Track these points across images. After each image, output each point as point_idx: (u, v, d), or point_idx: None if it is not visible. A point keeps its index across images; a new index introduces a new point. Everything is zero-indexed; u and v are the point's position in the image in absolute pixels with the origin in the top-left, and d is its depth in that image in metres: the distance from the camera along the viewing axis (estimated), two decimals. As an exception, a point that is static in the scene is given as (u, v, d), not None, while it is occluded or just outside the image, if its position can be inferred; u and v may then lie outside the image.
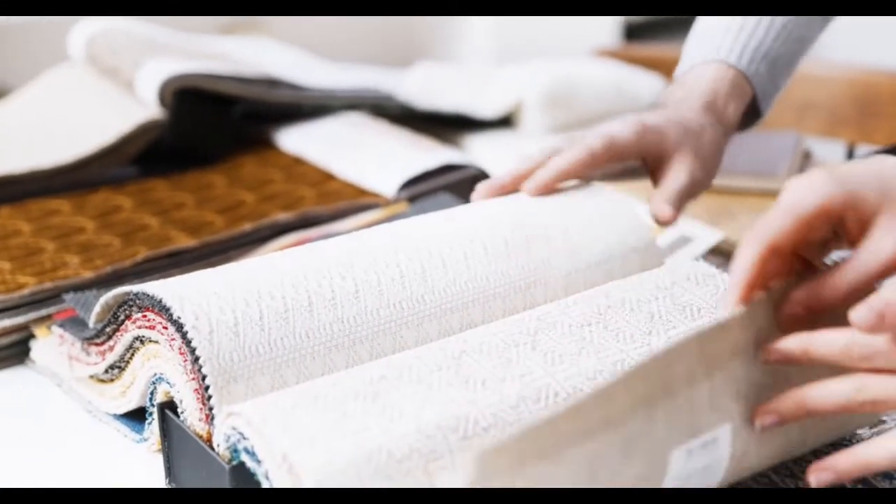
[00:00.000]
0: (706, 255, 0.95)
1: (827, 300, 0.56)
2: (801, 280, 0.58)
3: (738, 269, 0.58)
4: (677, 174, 0.79)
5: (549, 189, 0.77)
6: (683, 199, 0.79)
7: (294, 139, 1.10)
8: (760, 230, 0.58)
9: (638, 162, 0.81)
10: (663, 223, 0.78)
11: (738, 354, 0.56)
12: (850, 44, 1.89)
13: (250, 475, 0.57)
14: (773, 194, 1.05)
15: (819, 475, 0.56)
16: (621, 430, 0.51)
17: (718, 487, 0.59)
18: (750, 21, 0.86)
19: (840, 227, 0.58)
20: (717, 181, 1.05)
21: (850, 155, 1.39)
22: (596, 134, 0.77)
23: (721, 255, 0.96)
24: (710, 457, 0.55)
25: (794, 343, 0.56)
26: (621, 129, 0.78)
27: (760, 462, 0.60)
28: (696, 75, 0.85)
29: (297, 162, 1.06)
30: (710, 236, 0.96)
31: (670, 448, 0.53)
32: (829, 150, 1.34)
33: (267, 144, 1.12)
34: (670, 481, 0.54)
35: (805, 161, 1.14)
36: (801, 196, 0.57)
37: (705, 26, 0.88)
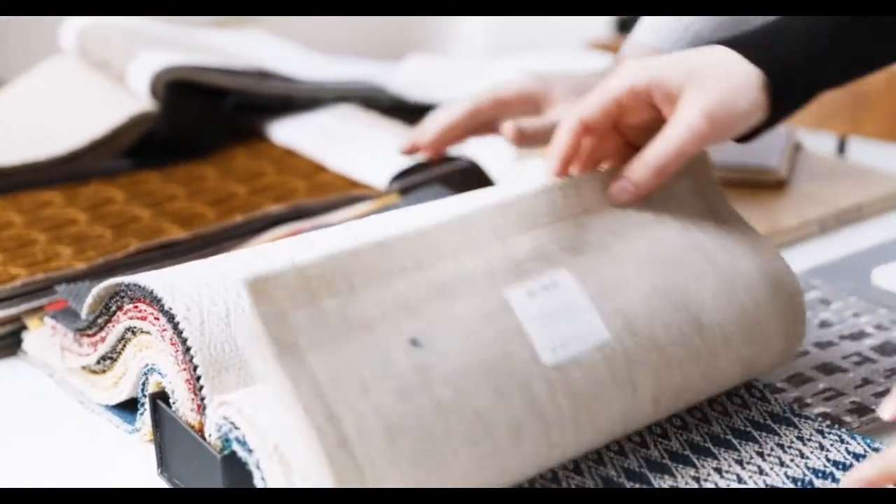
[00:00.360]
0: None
1: (650, 171, 0.64)
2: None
3: (555, 145, 0.66)
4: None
5: (439, 140, 0.80)
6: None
7: (286, 131, 1.10)
8: (574, 111, 0.65)
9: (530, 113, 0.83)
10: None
11: (565, 218, 0.64)
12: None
13: (241, 465, 0.57)
14: (766, 186, 1.06)
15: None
16: (431, 272, 0.58)
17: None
18: (698, 18, 0.86)
19: (657, 109, 0.65)
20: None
21: (842, 148, 1.39)
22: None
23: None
24: (560, 298, 0.60)
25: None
26: (510, 80, 0.80)
27: (664, 358, 0.62)
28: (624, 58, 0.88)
29: (289, 154, 1.06)
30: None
31: (498, 289, 0.58)
32: (820, 143, 1.34)
33: (259, 137, 1.12)
34: (529, 320, 0.58)
35: (796, 153, 1.14)
36: (610, 80, 0.65)
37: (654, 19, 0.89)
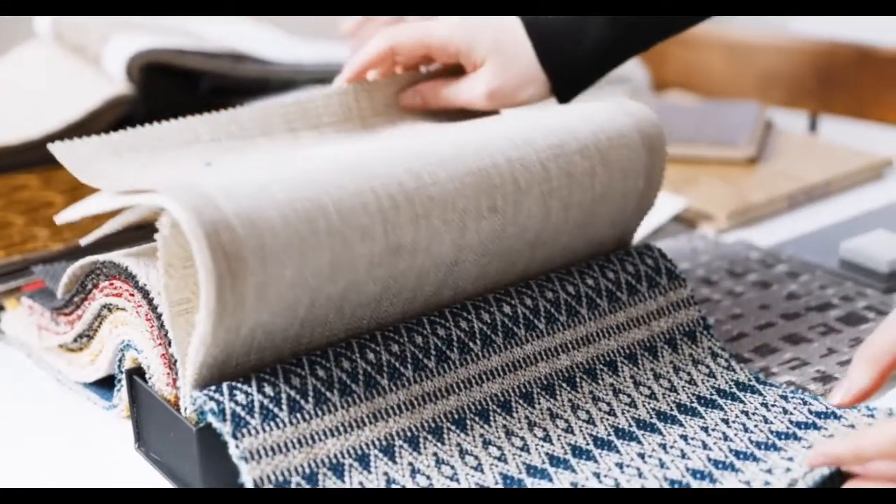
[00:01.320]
0: (670, 222, 0.97)
1: (438, 98, 0.78)
2: (427, 80, 0.79)
3: (358, 56, 0.78)
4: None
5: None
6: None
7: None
8: (388, 34, 0.77)
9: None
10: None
11: (354, 119, 0.76)
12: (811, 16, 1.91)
13: (217, 436, 0.58)
14: (735, 163, 1.07)
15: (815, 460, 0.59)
16: (226, 144, 0.70)
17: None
18: None
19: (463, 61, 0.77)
20: (680, 150, 1.07)
21: (813, 126, 1.41)
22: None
23: (684, 222, 0.98)
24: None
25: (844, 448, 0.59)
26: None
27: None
28: None
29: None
30: (673, 204, 0.98)
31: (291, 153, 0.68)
32: (791, 121, 1.36)
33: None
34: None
35: (768, 131, 1.16)
36: (434, 27, 0.77)
37: None
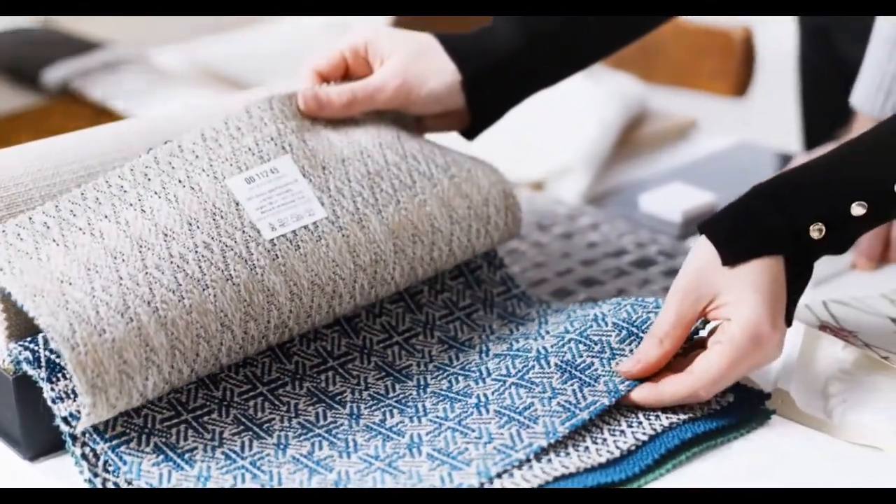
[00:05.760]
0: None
1: (341, 98, 0.76)
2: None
3: (302, 75, 0.78)
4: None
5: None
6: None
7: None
8: (308, 62, 0.78)
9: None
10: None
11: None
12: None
13: (33, 384, 0.62)
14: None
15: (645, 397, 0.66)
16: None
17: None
18: None
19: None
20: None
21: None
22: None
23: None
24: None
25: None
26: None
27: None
28: None
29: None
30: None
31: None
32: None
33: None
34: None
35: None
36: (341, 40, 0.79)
37: None
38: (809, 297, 0.72)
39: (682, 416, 0.65)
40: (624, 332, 0.69)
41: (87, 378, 0.59)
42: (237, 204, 0.68)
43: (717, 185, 0.97)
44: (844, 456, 0.64)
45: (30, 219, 0.65)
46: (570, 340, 0.69)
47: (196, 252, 0.65)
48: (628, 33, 0.84)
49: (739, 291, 0.64)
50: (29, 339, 0.62)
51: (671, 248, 0.88)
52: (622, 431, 0.64)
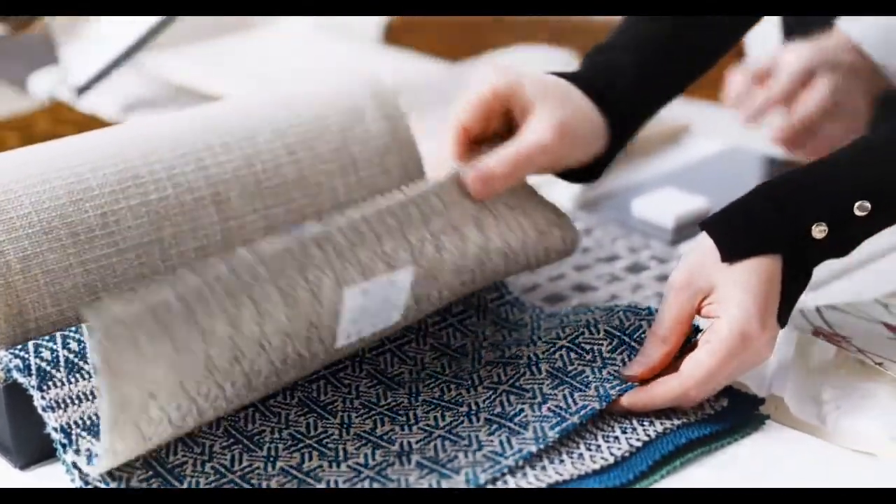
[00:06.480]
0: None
1: (504, 165, 0.69)
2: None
3: (449, 155, 0.71)
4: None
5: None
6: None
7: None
8: (451, 118, 0.71)
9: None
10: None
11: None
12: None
13: (23, 391, 0.61)
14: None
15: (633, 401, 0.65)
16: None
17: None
18: None
19: (510, 115, 0.71)
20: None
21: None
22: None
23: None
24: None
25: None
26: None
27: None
28: None
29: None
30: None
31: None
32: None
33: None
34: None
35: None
36: (476, 86, 0.71)
37: None
38: (803, 303, 0.72)
39: (677, 422, 0.64)
40: (616, 340, 0.68)
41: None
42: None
43: (710, 190, 0.97)
44: (838, 461, 0.64)
45: None
46: (561, 347, 0.69)
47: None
48: (730, 31, 0.81)
49: (730, 289, 0.64)
50: (19, 346, 0.62)
51: (664, 253, 0.88)
52: (616, 437, 0.64)
